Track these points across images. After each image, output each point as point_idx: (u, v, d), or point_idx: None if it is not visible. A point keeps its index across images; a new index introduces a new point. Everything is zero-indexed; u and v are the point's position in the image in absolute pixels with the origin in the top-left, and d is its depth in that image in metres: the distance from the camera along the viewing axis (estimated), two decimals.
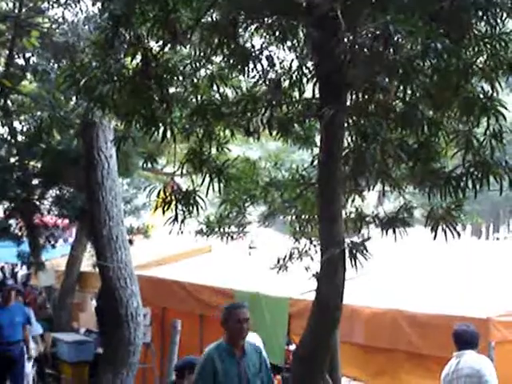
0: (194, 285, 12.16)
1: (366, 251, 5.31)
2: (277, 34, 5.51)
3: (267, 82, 5.61)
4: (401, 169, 5.74)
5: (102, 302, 11.88)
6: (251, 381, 6.50)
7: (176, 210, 5.69)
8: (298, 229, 6.98)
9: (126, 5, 5.04)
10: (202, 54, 5.64)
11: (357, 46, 4.84)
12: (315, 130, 6.15)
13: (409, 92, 4.80)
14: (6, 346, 11.39)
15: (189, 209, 5.67)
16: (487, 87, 5.07)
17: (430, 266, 10.29)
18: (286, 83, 5.67)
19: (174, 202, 5.67)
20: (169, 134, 5.58)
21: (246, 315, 6.49)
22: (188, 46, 5.73)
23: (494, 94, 5.04)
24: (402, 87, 4.75)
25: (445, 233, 5.44)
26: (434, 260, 10.48)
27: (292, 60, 5.57)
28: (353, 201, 6.39)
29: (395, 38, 4.38)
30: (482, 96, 4.96)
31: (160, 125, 5.51)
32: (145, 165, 6.87)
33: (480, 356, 7.26)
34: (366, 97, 5.13)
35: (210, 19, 5.42)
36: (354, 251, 5.22)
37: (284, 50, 5.72)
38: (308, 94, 5.67)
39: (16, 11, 11.30)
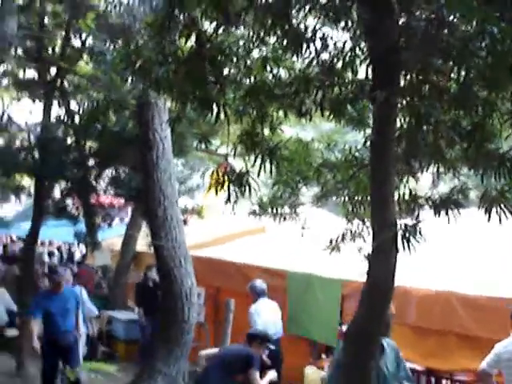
0: (247, 265, 12.26)
1: (419, 234, 5.30)
2: (330, 14, 5.49)
3: (320, 64, 5.60)
4: (455, 150, 5.71)
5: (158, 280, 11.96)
6: None
7: (229, 191, 5.74)
8: (350, 210, 6.98)
9: None
10: (255, 35, 5.65)
11: (411, 29, 4.81)
12: (368, 112, 6.12)
13: (463, 74, 4.76)
14: (58, 334, 10.80)
15: (241, 190, 5.72)
16: None
17: (484, 248, 10.20)
18: (339, 64, 5.66)
19: (226, 183, 5.72)
20: (222, 115, 5.62)
21: None
22: (242, 28, 5.76)
23: None
24: (456, 69, 4.72)
25: (499, 215, 5.41)
26: (488, 242, 10.38)
27: (345, 41, 5.56)
28: (407, 182, 6.38)
29: (449, 21, 4.35)
30: None
31: (214, 106, 5.56)
32: (199, 146, 6.92)
33: None
34: (420, 78, 5.11)
35: (263, 0, 5.43)
36: (407, 234, 5.22)
37: (337, 30, 5.71)
38: (361, 76, 5.66)
39: None
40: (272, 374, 9.00)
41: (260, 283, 10.98)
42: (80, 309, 11.30)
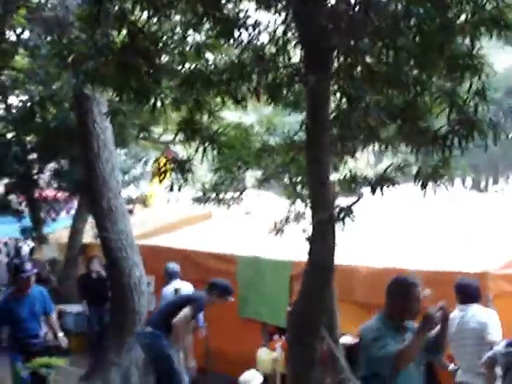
0: (195, 252, 12.26)
1: (352, 214, 5.39)
2: (260, 0, 5.53)
3: (253, 49, 5.64)
4: (390, 129, 5.80)
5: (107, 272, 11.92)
6: None
7: (172, 179, 5.78)
8: (292, 192, 7.05)
9: None
10: (188, 23, 5.67)
11: (339, 12, 4.87)
12: (304, 94, 6.19)
13: (392, 54, 4.84)
14: (28, 339, 9.37)
15: (184, 177, 5.75)
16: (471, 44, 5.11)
17: (427, 222, 10.36)
18: (273, 50, 5.71)
19: (169, 171, 5.75)
20: (159, 104, 5.63)
21: None
22: (174, 17, 5.76)
23: (479, 52, 5.09)
24: (385, 50, 4.80)
25: (434, 189, 5.54)
26: (431, 216, 10.55)
27: (277, 26, 5.60)
28: (345, 163, 6.47)
29: (376, 2, 4.42)
30: (464, 54, 4.99)
31: (150, 96, 5.57)
32: (140, 135, 6.93)
33: (485, 309, 7.36)
34: (350, 61, 5.18)
35: None
36: (342, 214, 5.31)
37: (269, 14, 5.74)
38: (296, 59, 5.71)
39: None
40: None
41: (172, 266, 11.38)
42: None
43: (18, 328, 9.34)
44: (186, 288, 11.06)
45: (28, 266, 9.38)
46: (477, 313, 7.30)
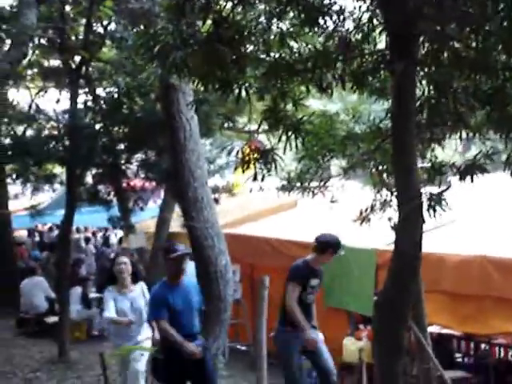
0: (280, 240, 12.30)
1: (444, 202, 5.31)
2: None
3: (338, 37, 5.60)
4: (478, 116, 5.70)
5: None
6: None
7: (255, 169, 5.79)
8: (378, 180, 6.99)
9: None
10: (272, 12, 5.66)
11: None
12: (390, 82, 6.12)
13: (480, 39, 4.75)
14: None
15: (267, 167, 5.76)
16: None
17: None
18: (358, 36, 5.67)
19: (252, 161, 5.77)
20: (244, 94, 5.65)
21: None
22: (258, 6, 5.77)
23: None
24: (473, 36, 4.71)
25: None
26: None
27: (362, 13, 5.55)
28: (433, 150, 6.38)
29: None
30: None
31: (234, 86, 5.59)
32: (225, 124, 6.96)
33: None
34: (438, 47, 5.10)
35: None
36: (432, 203, 5.23)
37: (354, 1, 5.69)
38: (381, 46, 5.65)
39: None
40: None
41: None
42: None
43: (173, 323, 8.19)
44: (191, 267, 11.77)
45: (180, 245, 8.56)
46: None
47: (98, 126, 13.68)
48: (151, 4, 10.01)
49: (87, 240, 24.75)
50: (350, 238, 10.51)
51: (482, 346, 10.26)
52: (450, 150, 6.75)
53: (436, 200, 5.26)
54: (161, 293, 8.33)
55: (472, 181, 5.56)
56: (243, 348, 13.36)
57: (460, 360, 10.88)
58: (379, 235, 9.37)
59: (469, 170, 5.59)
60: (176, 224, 14.34)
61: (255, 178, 5.89)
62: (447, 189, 5.51)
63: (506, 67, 5.09)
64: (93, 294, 17.38)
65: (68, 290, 14.62)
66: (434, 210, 5.28)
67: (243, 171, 6.03)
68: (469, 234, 9.69)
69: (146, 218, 17.24)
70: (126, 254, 18.92)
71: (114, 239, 25.19)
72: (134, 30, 10.87)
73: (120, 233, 21.35)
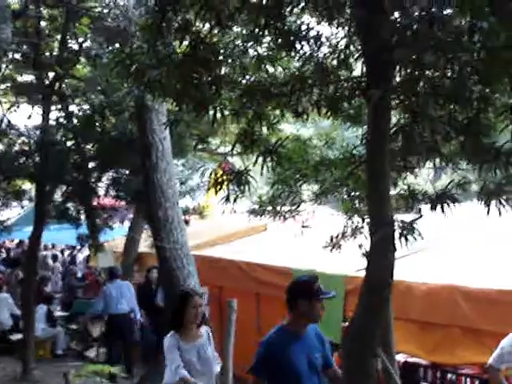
0: (249, 264, 12.25)
1: (416, 231, 5.31)
2: (323, 13, 5.51)
3: (315, 62, 5.61)
4: (452, 145, 5.72)
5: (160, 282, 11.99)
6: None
7: (228, 191, 5.77)
8: (350, 207, 6.99)
9: None
10: (249, 35, 5.67)
11: (402, 26, 4.82)
12: (365, 108, 6.14)
13: (456, 69, 4.77)
14: None
15: (240, 189, 5.74)
16: None
17: (485, 241, 10.20)
18: (334, 62, 5.68)
19: (225, 183, 5.74)
20: (219, 116, 5.64)
21: None
22: (236, 28, 5.77)
23: None
24: (449, 65, 4.73)
25: (498, 208, 5.45)
26: (489, 235, 10.38)
27: (339, 39, 5.57)
28: (405, 178, 6.39)
29: (440, 16, 4.36)
30: None
31: (210, 107, 5.58)
32: (198, 146, 6.94)
33: None
34: (414, 75, 5.11)
35: (256, 0, 5.44)
36: (404, 231, 5.23)
37: (331, 28, 5.72)
38: (357, 73, 5.67)
39: None
40: None
41: (117, 267, 14.11)
42: None
43: None
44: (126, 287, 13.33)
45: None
46: None
47: (69, 143, 13.60)
48: (127, 23, 9.99)
49: (54, 258, 24.52)
50: (319, 263, 10.50)
51: (449, 375, 10.24)
52: (421, 179, 6.77)
53: (408, 228, 5.26)
54: (279, 343, 6.06)
55: (443, 210, 5.56)
56: None
57: None
58: (349, 261, 9.37)
59: (440, 199, 5.60)
60: (145, 244, 14.27)
61: (227, 200, 5.86)
62: (419, 217, 5.51)
63: (481, 97, 5.12)
64: (58, 313, 17.21)
65: (33, 307, 14.46)
66: (406, 239, 5.27)
67: (215, 193, 6.00)
68: (438, 263, 9.70)
69: (114, 237, 17.15)
70: (94, 273, 18.88)
71: (80, 257, 24.99)
72: (109, 48, 10.83)
73: (87, 251, 21.21)
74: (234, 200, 5.84)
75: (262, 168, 5.71)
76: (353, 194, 6.82)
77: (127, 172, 13.63)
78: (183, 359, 7.34)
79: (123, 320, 13.86)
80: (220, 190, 5.81)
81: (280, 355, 5.94)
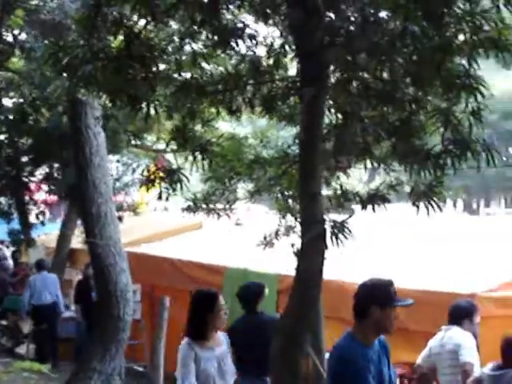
0: (183, 261, 12.20)
1: (347, 230, 5.34)
2: (259, 11, 5.51)
3: (250, 61, 5.62)
4: (384, 146, 5.78)
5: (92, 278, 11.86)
6: None
7: (160, 188, 5.74)
8: (283, 205, 7.02)
9: None
10: (185, 32, 5.64)
11: (336, 28, 4.86)
12: (299, 108, 6.16)
13: (388, 71, 4.83)
14: None
15: (173, 186, 5.71)
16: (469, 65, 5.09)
17: (417, 242, 10.33)
18: (270, 61, 5.70)
19: (157, 180, 5.71)
20: (152, 111, 5.60)
21: None
22: (172, 24, 5.74)
23: (477, 72, 5.06)
24: (381, 66, 4.78)
25: (427, 208, 5.52)
26: (421, 236, 10.52)
27: (274, 39, 5.59)
28: (338, 178, 6.43)
29: (374, 19, 4.40)
30: (461, 74, 4.97)
31: (143, 103, 5.53)
32: (133, 142, 6.89)
33: (464, 332, 7.30)
34: (347, 76, 5.16)
35: None
36: (336, 230, 5.26)
37: (267, 27, 5.73)
38: (293, 73, 5.69)
39: None
40: None
41: (45, 260, 14.16)
42: None
43: None
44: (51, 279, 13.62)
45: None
46: (454, 335, 7.25)
47: (1, 137, 13.36)
48: (63, 16, 9.84)
49: None
50: (253, 261, 10.52)
51: None
52: (355, 179, 6.83)
53: (339, 228, 5.29)
54: (356, 355, 4.97)
55: (374, 210, 5.62)
56: (140, 369, 13.15)
57: None
58: (282, 260, 9.40)
59: (371, 199, 5.65)
60: (78, 240, 14.10)
61: (160, 197, 5.83)
62: (350, 217, 5.54)
63: (413, 100, 5.19)
64: None
65: None
66: (337, 238, 5.30)
67: (147, 190, 5.97)
68: (370, 263, 9.79)
69: (46, 233, 16.93)
70: (25, 268, 18.57)
71: (7, 253, 24.49)
72: (45, 42, 10.66)
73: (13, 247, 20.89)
74: (167, 198, 5.82)
75: (192, 165, 5.70)
76: (286, 192, 6.85)
77: (61, 167, 13.44)
78: (200, 370, 6.05)
79: (47, 311, 13.77)
80: (152, 187, 5.78)
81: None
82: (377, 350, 5.07)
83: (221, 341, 6.22)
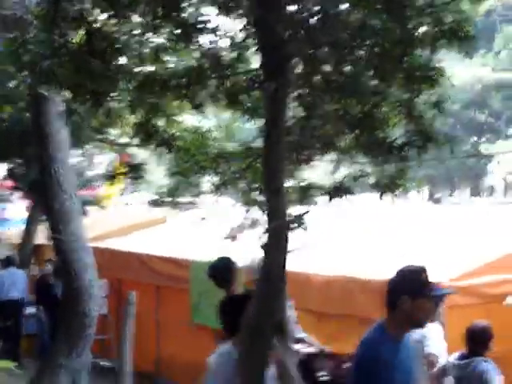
0: (149, 255, 12.20)
1: (303, 224, 5.35)
2: (221, 4, 5.49)
3: (212, 54, 5.60)
4: (348, 138, 5.81)
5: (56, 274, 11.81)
6: None
7: (124, 183, 5.72)
8: (249, 199, 7.02)
9: None
10: (147, 25, 5.61)
11: (297, 21, 4.87)
12: (263, 101, 6.17)
13: (350, 64, 4.85)
14: None
15: (137, 181, 5.70)
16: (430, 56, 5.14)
17: (382, 232, 10.41)
18: (232, 55, 5.68)
19: (122, 175, 5.70)
20: (115, 107, 5.57)
21: None
22: (134, 18, 5.70)
23: (438, 63, 5.12)
24: (343, 60, 4.81)
25: (392, 200, 5.58)
26: (386, 226, 10.60)
27: (237, 32, 5.57)
28: (302, 171, 6.45)
29: (334, 12, 4.42)
30: (422, 66, 5.01)
31: (105, 98, 5.50)
32: (96, 136, 6.86)
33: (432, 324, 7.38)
34: (308, 70, 5.17)
35: None
36: (293, 223, 5.28)
37: (230, 20, 5.71)
38: (256, 66, 5.69)
39: None
40: None
41: (12, 255, 14.41)
42: None
43: None
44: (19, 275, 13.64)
45: None
46: None
47: None
48: (24, 11, 9.74)
49: None
50: (219, 255, 10.53)
51: (345, 365, 10.41)
52: (320, 171, 6.84)
53: (297, 221, 5.30)
54: (385, 350, 4.67)
55: (339, 202, 5.65)
56: (108, 364, 13.13)
57: (323, 379, 11.00)
58: (249, 253, 9.42)
59: (336, 191, 5.69)
60: (41, 236, 14.02)
61: (123, 192, 5.81)
62: (306, 212, 5.53)
63: (375, 92, 5.22)
64: None
65: None
66: (292, 231, 5.30)
67: (111, 184, 5.95)
68: (335, 254, 9.85)
69: (7, 228, 16.82)
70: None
71: None
72: (6, 37, 10.54)
73: None
74: (132, 192, 5.80)
75: (156, 160, 5.69)
76: (251, 186, 6.85)
77: (23, 163, 13.33)
78: None
79: (14, 307, 13.73)
80: (116, 181, 5.76)
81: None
82: (408, 345, 4.79)
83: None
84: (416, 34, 4.94)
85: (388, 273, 8.44)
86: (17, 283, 13.85)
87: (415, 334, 7.14)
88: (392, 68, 5.02)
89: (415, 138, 5.11)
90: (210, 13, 5.68)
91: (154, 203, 7.33)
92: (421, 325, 4.90)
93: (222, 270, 7.58)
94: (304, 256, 9.18)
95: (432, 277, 7.97)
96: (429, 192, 44.55)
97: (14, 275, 13.91)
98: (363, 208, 11.07)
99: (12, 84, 10.14)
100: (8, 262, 14.19)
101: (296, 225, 5.24)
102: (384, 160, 5.35)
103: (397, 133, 5.54)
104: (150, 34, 5.70)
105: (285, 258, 5.14)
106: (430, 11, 4.87)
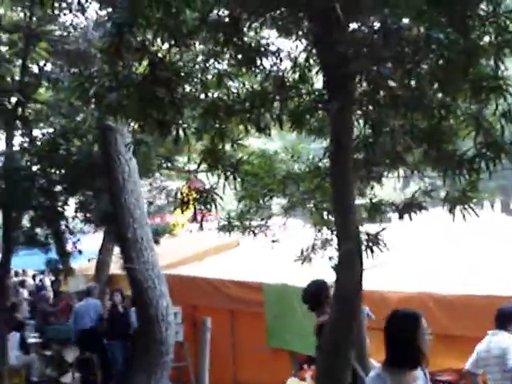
0: (221, 280, 12.19)
1: (381, 243, 5.30)
2: (281, 27, 5.50)
3: (275, 77, 5.61)
4: (416, 153, 5.74)
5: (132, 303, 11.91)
6: None
7: (195, 209, 5.74)
8: (319, 219, 6.99)
9: (128, 11, 5.03)
10: (209, 52, 5.65)
11: (358, 38, 4.84)
12: (327, 121, 6.14)
13: (414, 78, 4.79)
14: None
15: (206, 207, 5.70)
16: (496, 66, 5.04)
17: (456, 247, 10.24)
18: (295, 76, 5.68)
19: (191, 202, 5.71)
20: (181, 134, 5.60)
21: None
22: (196, 46, 5.74)
23: (504, 73, 5.02)
24: (406, 75, 4.75)
25: (463, 214, 5.47)
26: (459, 240, 10.43)
27: (298, 53, 5.57)
28: (372, 188, 6.39)
29: (396, 28, 4.37)
30: (489, 76, 4.92)
31: (172, 127, 5.54)
32: (164, 165, 6.90)
33: (511, 336, 7.20)
34: (373, 86, 5.12)
35: (214, 18, 5.41)
36: (370, 243, 5.23)
37: (291, 41, 5.71)
38: (319, 86, 5.67)
39: (27, 20, 11.40)
40: None
41: (91, 285, 14.61)
42: None
43: None
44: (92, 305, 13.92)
45: None
46: (501, 339, 7.15)
47: (34, 168, 13.43)
48: (87, 45, 9.94)
49: (21, 284, 24.19)
50: (292, 277, 10.49)
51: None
52: (389, 188, 6.78)
53: (373, 240, 5.25)
54: None
55: (410, 218, 5.57)
56: None
57: None
58: (322, 274, 9.36)
59: (407, 207, 5.61)
60: (116, 266, 14.16)
61: (195, 218, 5.83)
62: (383, 229, 5.49)
63: (441, 106, 5.14)
64: (31, 339, 16.97)
65: (5, 335, 14.25)
66: (372, 250, 5.26)
67: (182, 212, 5.97)
68: (409, 271, 9.72)
69: (83, 261, 17.01)
70: (66, 298, 18.62)
71: (47, 282, 24.65)
72: (71, 71, 10.76)
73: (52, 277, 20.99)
74: (202, 218, 5.82)
75: (224, 186, 5.69)
76: (321, 206, 6.82)
77: (94, 195, 13.50)
78: None
79: (87, 336, 13.95)
80: (187, 208, 5.78)
81: None
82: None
83: (416, 377, 4.82)
84: (480, 43, 4.86)
85: (463, 287, 8.36)
86: (90, 312, 14.10)
87: (496, 349, 7.00)
88: (457, 80, 4.94)
89: (486, 150, 5.01)
90: (270, 35, 5.70)
91: (224, 228, 7.34)
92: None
93: (315, 293, 7.48)
94: (378, 274, 9.09)
95: (507, 290, 7.85)
96: (501, 203, 43.76)
97: (88, 305, 14.15)
98: (434, 222, 10.89)
99: (79, 118, 10.32)
100: (87, 293, 14.48)
101: (373, 244, 5.19)
102: (454, 173, 5.25)
103: (466, 145, 5.44)
104: (212, 61, 5.72)
105: (361, 277, 5.08)
106: (493, 20, 4.78)
